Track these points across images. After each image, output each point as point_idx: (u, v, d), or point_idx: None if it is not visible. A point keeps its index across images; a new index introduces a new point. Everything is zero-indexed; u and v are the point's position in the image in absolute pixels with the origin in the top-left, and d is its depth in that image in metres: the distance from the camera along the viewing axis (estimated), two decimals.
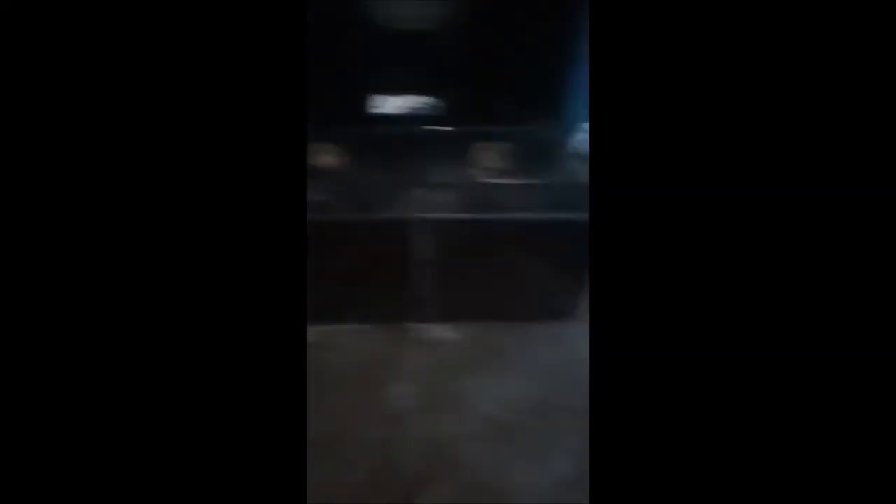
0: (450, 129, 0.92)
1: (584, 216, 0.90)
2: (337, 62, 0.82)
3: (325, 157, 0.91)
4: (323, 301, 0.78)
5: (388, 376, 0.93)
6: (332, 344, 0.97)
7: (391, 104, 0.91)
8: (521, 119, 0.93)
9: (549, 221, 0.88)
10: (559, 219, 0.88)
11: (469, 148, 0.94)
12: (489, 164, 0.94)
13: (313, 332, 0.68)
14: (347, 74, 0.86)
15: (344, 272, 0.89)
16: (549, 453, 0.85)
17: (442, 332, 0.97)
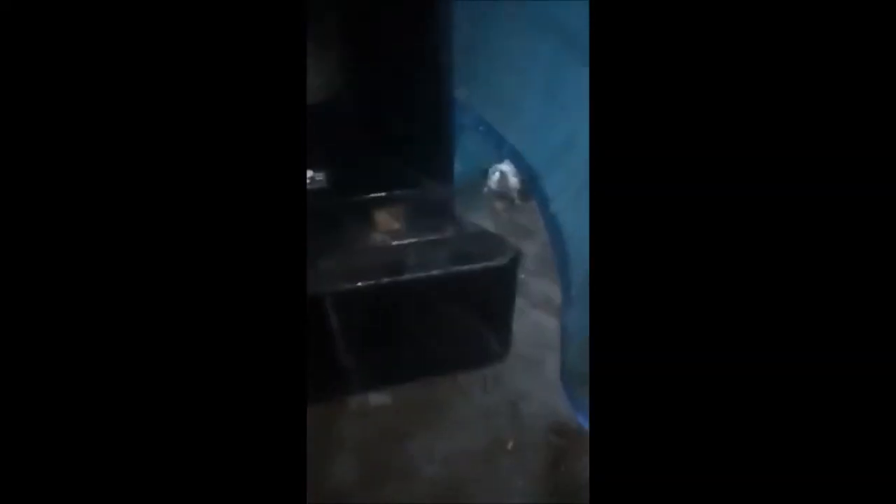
0: (346, 198, 0.93)
1: (492, 264, 0.93)
2: None
3: None
4: None
5: (326, 451, 0.91)
6: None
7: None
8: (416, 179, 0.95)
9: (459, 274, 0.90)
10: (470, 270, 0.89)
11: (368, 214, 0.94)
12: (391, 228, 0.95)
13: None
14: None
15: None
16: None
17: (374, 399, 0.97)
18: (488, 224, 1.19)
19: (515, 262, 0.91)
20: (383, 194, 0.93)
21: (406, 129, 0.90)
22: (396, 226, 0.94)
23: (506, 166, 1.37)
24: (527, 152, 1.11)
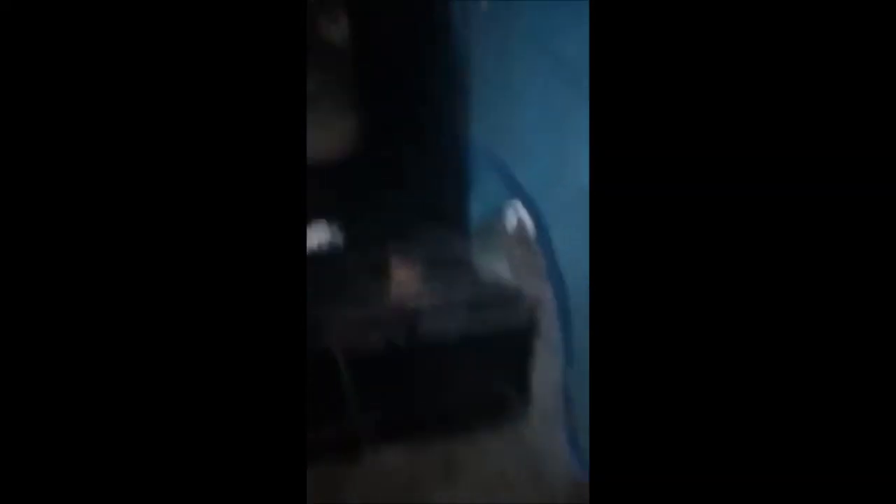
0: (362, 251, 0.91)
1: (510, 319, 0.90)
2: None
3: None
4: None
5: None
6: None
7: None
8: (433, 230, 0.93)
9: (476, 330, 0.88)
10: (487, 326, 0.87)
11: (384, 268, 0.93)
12: (407, 282, 0.94)
13: None
14: None
15: None
16: None
17: (389, 458, 0.94)
18: (504, 267, 1.17)
19: (534, 317, 0.88)
20: (400, 247, 0.91)
21: (423, 180, 0.89)
22: (413, 280, 0.92)
23: (522, 207, 1.35)
24: (538, 198, 1.11)
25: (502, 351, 0.93)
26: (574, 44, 0.94)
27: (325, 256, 0.88)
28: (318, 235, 0.90)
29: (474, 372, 0.92)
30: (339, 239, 0.89)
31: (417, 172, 0.90)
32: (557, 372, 1.02)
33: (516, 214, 1.41)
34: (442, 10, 0.82)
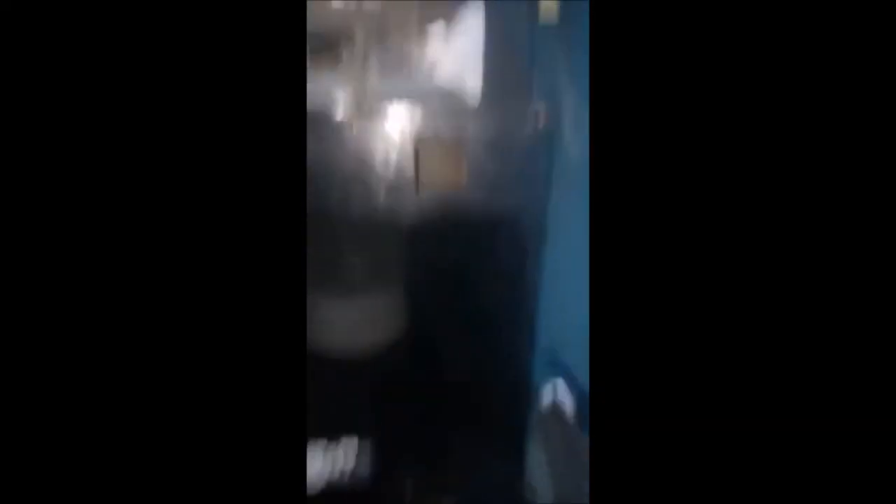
0: (399, 480, 0.80)
1: None
2: None
3: None
4: None
5: None
6: None
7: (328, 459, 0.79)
8: (479, 462, 0.83)
9: None
10: None
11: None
12: None
13: None
14: None
15: None
16: None
17: None
18: (542, 455, 1.05)
19: None
20: (444, 478, 0.80)
21: (475, 398, 0.80)
22: None
23: (561, 387, 1.25)
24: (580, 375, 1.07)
25: None
26: None
27: (357, 479, 0.77)
28: (347, 455, 0.79)
29: None
30: (377, 461, 0.78)
31: (464, 385, 0.80)
32: None
33: (552, 396, 1.31)
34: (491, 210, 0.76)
